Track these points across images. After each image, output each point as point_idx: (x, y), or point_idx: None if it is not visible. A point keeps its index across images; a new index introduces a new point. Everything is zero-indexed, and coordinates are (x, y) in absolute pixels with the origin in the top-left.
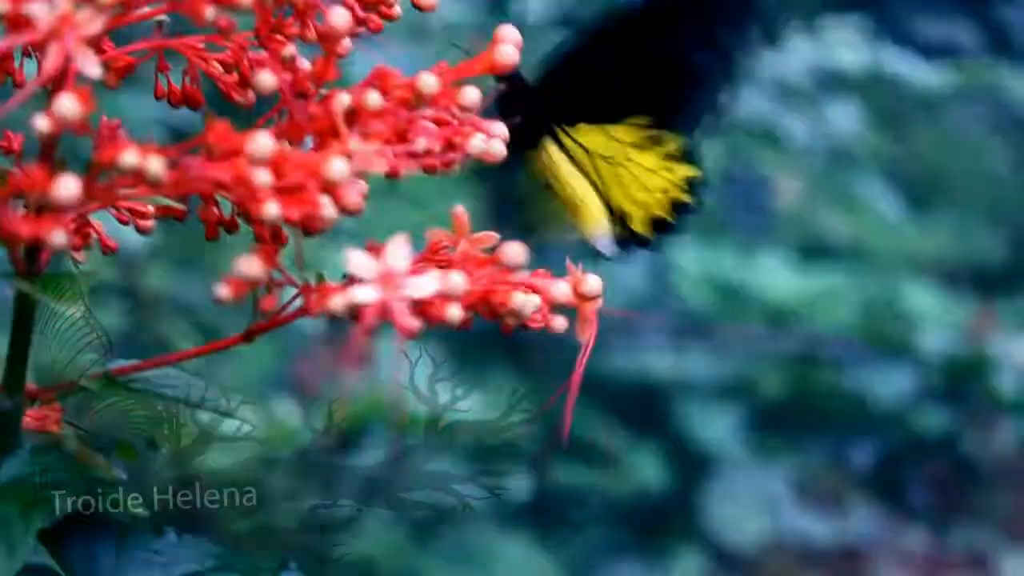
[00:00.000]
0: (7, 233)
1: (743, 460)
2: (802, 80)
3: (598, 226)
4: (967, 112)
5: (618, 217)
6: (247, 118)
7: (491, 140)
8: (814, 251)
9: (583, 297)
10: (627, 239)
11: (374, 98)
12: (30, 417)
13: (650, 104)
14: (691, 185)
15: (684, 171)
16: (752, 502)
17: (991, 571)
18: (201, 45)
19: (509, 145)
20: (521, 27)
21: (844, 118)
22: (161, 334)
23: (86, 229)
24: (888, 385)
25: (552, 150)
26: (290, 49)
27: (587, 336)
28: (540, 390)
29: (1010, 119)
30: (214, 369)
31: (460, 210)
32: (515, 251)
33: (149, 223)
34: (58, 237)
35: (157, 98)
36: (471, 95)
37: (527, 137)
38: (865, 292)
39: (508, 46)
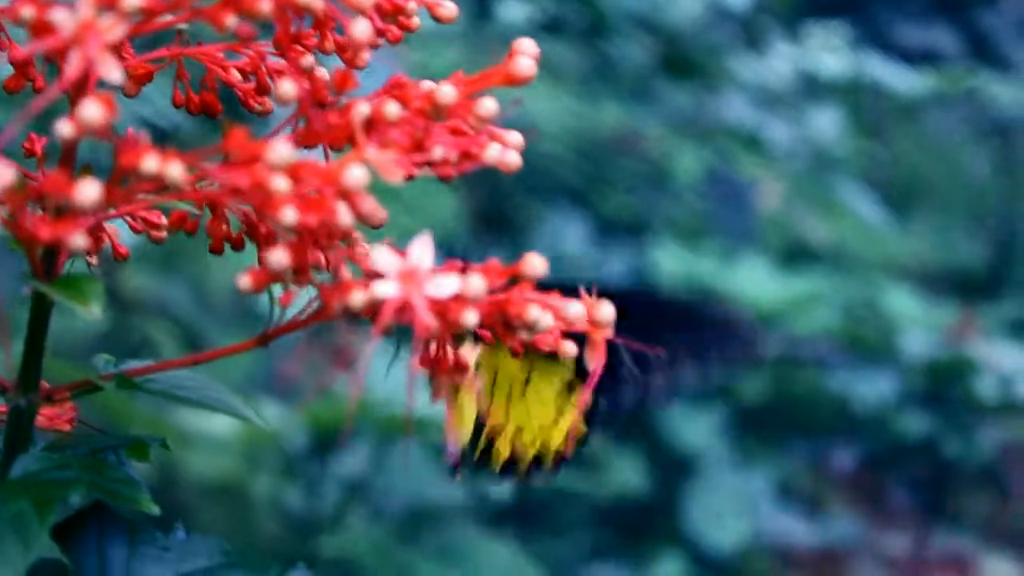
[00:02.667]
0: (27, 236)
1: (724, 463)
2: (785, 85)
3: (459, 433)
4: (947, 117)
5: (487, 437)
6: (256, 126)
7: (507, 150)
8: (796, 255)
9: (595, 323)
10: (486, 461)
11: (393, 108)
12: (43, 416)
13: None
14: (577, 440)
15: (575, 425)
16: (733, 505)
17: (971, 573)
18: (220, 53)
19: None
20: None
21: (826, 123)
22: (145, 335)
23: (100, 234)
24: (869, 388)
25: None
26: (309, 59)
27: (596, 363)
28: None
29: (990, 124)
30: (196, 371)
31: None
32: (536, 263)
33: (162, 234)
34: (77, 240)
35: (176, 106)
36: (488, 106)
37: None
38: (846, 296)
39: (525, 58)
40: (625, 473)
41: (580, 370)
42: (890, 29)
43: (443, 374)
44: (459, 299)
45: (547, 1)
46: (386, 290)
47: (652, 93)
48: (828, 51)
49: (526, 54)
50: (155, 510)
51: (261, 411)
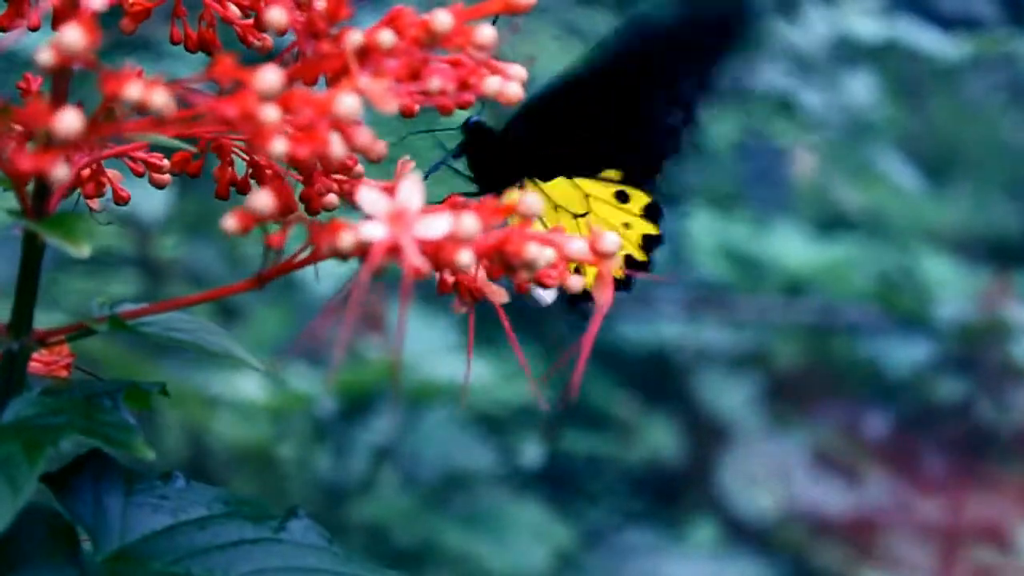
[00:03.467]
0: (11, 169)
1: (758, 430)
2: (819, 51)
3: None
4: (984, 83)
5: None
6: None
7: (507, 82)
8: (830, 221)
9: (600, 255)
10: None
11: (386, 36)
12: (38, 362)
13: (618, 159)
14: (648, 243)
15: (643, 229)
16: (767, 472)
17: (1007, 540)
18: None
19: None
20: None
21: (861, 89)
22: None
23: (100, 178)
24: (903, 354)
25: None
26: None
27: (603, 297)
28: (552, 357)
29: None
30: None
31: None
32: (532, 202)
33: (165, 177)
34: (60, 171)
35: (173, 43)
36: (486, 34)
37: (495, 187)
38: (881, 262)
39: None
40: (657, 440)
41: (627, 176)
42: None
43: (463, 294)
44: (453, 238)
45: None
46: (373, 232)
47: None
48: (862, 15)
49: None
50: (150, 455)
51: (289, 376)
